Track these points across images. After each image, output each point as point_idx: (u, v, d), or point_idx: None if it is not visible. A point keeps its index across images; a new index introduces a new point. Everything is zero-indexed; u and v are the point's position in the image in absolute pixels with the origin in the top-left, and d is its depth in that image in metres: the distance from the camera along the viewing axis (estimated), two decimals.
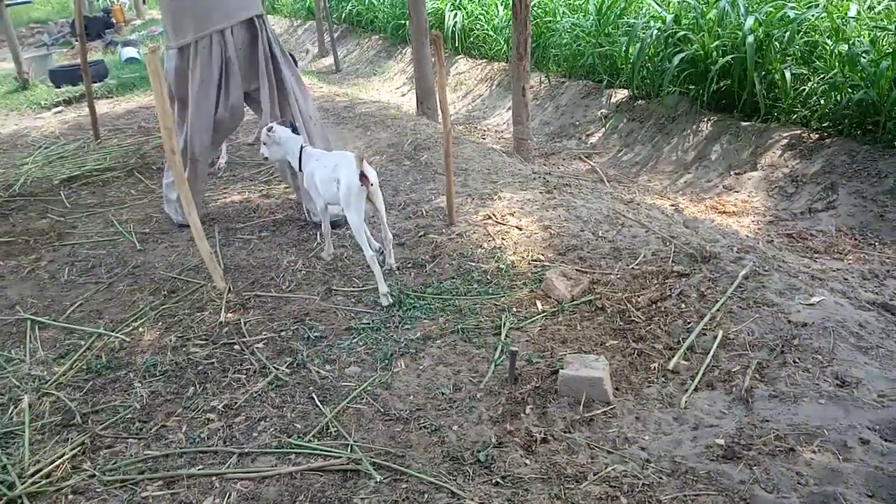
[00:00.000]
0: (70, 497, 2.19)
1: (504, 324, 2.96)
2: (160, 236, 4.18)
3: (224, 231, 4.16)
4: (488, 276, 3.37)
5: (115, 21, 15.98)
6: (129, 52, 10.93)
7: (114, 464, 2.32)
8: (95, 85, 6.69)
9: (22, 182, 5.30)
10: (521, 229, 3.82)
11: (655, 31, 6.34)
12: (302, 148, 3.56)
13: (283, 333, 3.05)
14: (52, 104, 8.39)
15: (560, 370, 2.52)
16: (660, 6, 6.76)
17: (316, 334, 3.01)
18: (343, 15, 13.00)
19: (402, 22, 10.78)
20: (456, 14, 9.35)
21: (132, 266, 3.80)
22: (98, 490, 2.21)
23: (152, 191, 4.99)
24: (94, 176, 5.36)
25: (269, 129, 3.56)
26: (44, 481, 2.27)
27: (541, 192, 4.32)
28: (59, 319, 3.29)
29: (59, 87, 8.97)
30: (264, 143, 3.60)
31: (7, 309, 3.45)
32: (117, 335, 3.09)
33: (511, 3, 5.48)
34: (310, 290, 3.41)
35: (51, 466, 2.32)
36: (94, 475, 2.27)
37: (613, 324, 2.91)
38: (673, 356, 2.66)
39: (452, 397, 2.53)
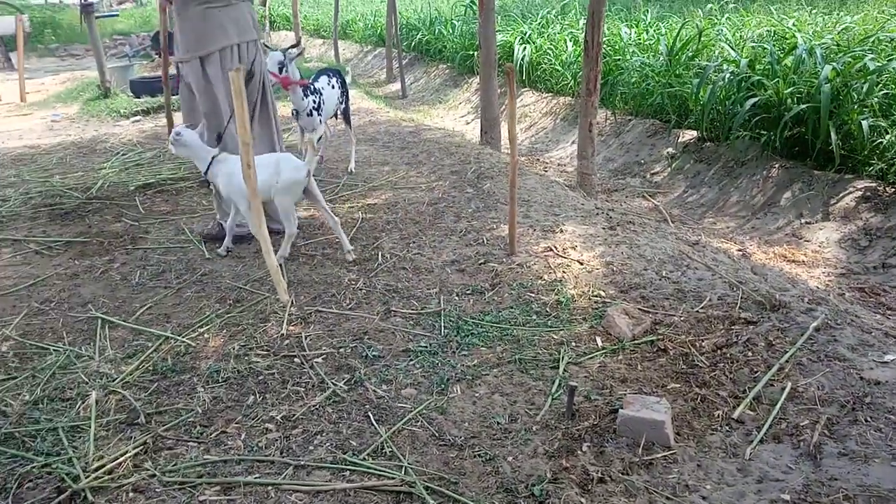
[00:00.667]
0: (131, 495, 2.24)
1: (562, 357, 2.94)
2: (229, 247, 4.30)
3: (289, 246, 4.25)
4: (547, 309, 3.35)
5: None
6: None
7: (174, 465, 2.37)
8: (172, 97, 6.97)
9: (99, 186, 5.54)
10: (582, 263, 3.80)
11: (728, 75, 6.28)
12: (213, 158, 3.90)
13: (341, 350, 3.08)
14: (131, 113, 8.78)
15: (620, 409, 2.48)
16: (734, 50, 6.70)
17: (374, 353, 3.04)
18: (413, 43, 13.27)
19: (470, 53, 10.95)
20: (525, 48, 9.44)
21: (200, 274, 3.91)
22: (157, 490, 2.26)
23: None
24: (168, 185, 5.57)
25: (178, 134, 3.89)
26: (106, 476, 2.33)
27: (603, 228, 4.29)
28: (128, 320, 3.41)
29: (139, 98, 9.38)
30: (172, 144, 3.94)
31: (80, 307, 3.59)
32: (183, 339, 3.18)
33: (584, 40, 5.51)
34: (369, 310, 3.45)
35: (113, 463, 2.39)
36: (154, 475, 2.32)
37: (676, 367, 2.85)
38: (738, 405, 2.59)
39: (508, 428, 2.51)
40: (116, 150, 6.87)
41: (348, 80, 5.55)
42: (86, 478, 2.31)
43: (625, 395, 2.62)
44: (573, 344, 3.06)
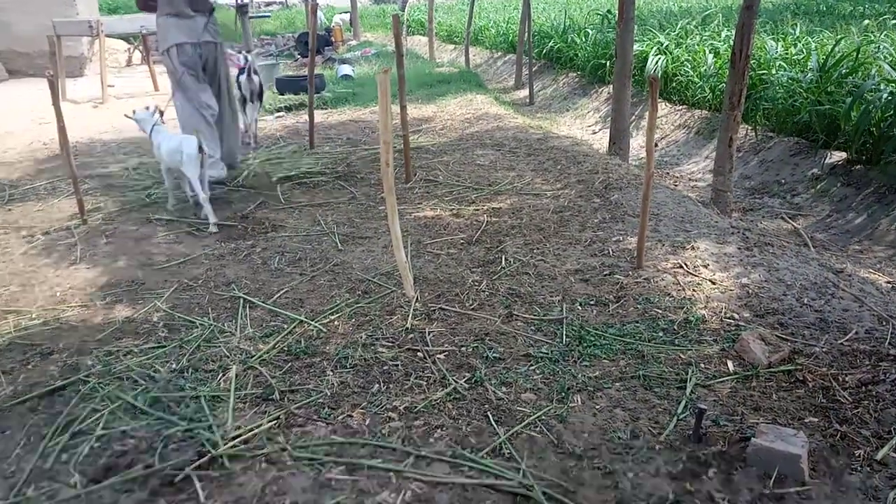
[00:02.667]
0: (263, 465, 2.39)
1: (690, 378, 2.84)
2: (359, 240, 4.48)
3: (415, 244, 4.37)
4: (675, 327, 3.25)
5: (333, 40, 17.43)
6: (345, 69, 11.87)
7: (303, 442, 2.50)
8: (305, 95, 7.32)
9: (245, 175, 5.92)
10: (714, 283, 3.65)
11: (886, 95, 5.82)
12: (154, 126, 5.07)
13: (463, 349, 3.13)
14: (275, 109, 9.30)
15: (752, 438, 2.37)
16: (894, 70, 6.21)
17: (494, 355, 3.07)
18: (543, 51, 13.23)
19: (602, 62, 10.78)
20: (660, 58, 9.18)
21: (332, 264, 4.10)
22: (288, 463, 2.40)
23: (355, 197, 5.36)
24: (307, 178, 5.87)
25: (134, 111, 5.16)
26: (242, 446, 2.49)
27: (738, 248, 4.10)
28: (266, 302, 3.63)
29: (282, 95, 9.91)
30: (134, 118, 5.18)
31: (224, 286, 3.86)
32: (316, 324, 3.34)
33: (731, 52, 5.29)
34: (491, 312, 3.48)
35: (249, 434, 2.55)
36: (285, 449, 2.46)
37: (815, 400, 2.68)
38: (882, 446, 2.40)
39: (629, 444, 2.46)
40: (261, 143, 7.32)
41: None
42: (224, 445, 2.48)
43: (757, 423, 2.49)
44: (702, 365, 2.95)
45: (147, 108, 5.23)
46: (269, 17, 23.91)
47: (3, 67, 12.91)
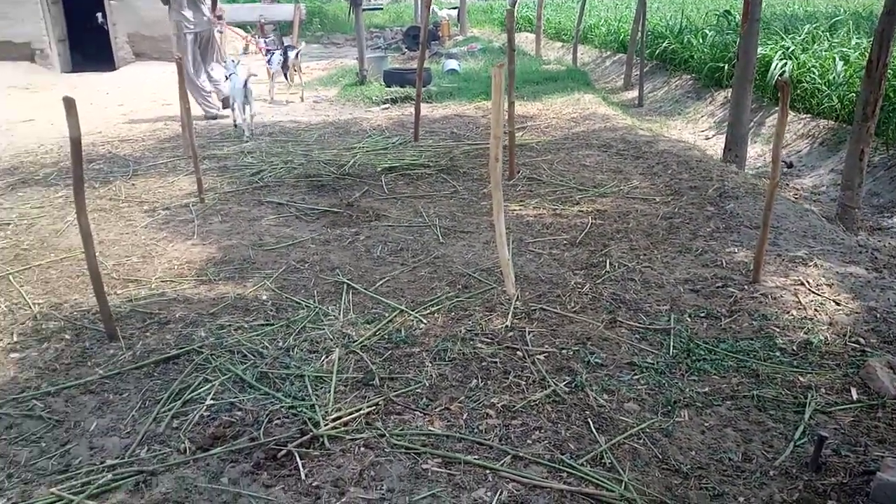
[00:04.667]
0: (362, 449, 2.42)
1: (809, 403, 2.66)
2: (461, 234, 4.47)
3: (517, 242, 4.31)
4: (794, 347, 3.05)
5: (440, 34, 17.55)
6: (451, 64, 11.92)
7: (401, 430, 2.51)
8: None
9: (351, 164, 6.04)
10: (838, 304, 3.41)
11: None
12: (231, 73, 7.41)
13: (563, 352, 3.06)
14: (381, 101, 9.46)
15: (876, 472, 2.18)
16: None
17: (597, 360, 2.98)
18: (656, 51, 12.82)
19: (720, 65, 10.31)
20: (785, 63, 8.69)
21: (433, 256, 4.11)
22: (385, 450, 2.41)
23: (457, 191, 5.36)
24: (410, 170, 5.92)
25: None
26: (342, 427, 2.53)
27: (866, 269, 3.81)
28: (369, 289, 3.68)
29: (389, 87, 10.07)
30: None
31: (329, 270, 3.95)
32: (416, 315, 3.36)
33: (867, 59, 4.93)
34: (594, 316, 3.39)
35: (349, 417, 2.59)
36: (383, 435, 2.48)
37: None
38: None
39: (741, 466, 2.33)
40: (367, 133, 7.46)
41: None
42: (325, 425, 2.52)
43: (883, 457, 2.30)
44: (822, 390, 2.75)
45: (233, 61, 7.61)
46: (381, 8, 24.38)
47: (130, 50, 13.76)
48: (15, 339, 3.23)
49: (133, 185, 5.69)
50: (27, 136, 7.68)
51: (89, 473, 2.32)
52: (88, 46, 13.92)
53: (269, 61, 8.91)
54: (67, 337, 3.24)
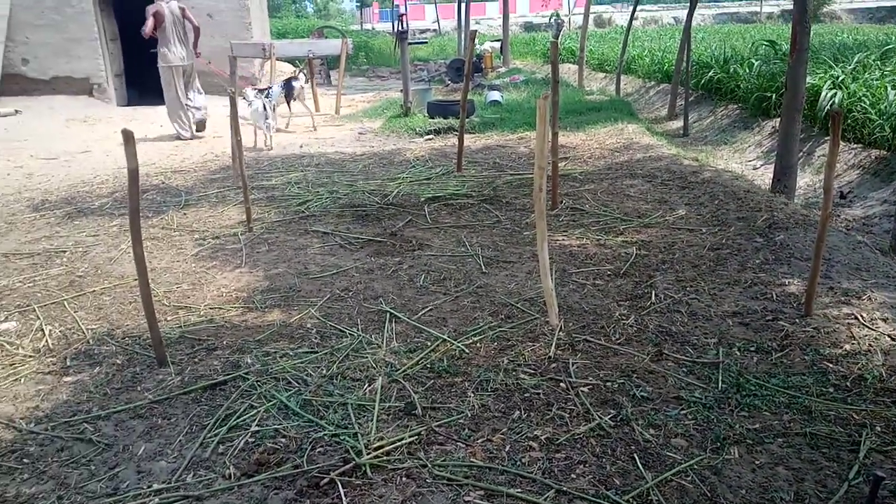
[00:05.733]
0: (404, 479, 2.41)
1: (864, 441, 2.56)
2: (503, 264, 4.47)
3: (560, 272, 4.29)
4: (848, 383, 2.95)
5: (483, 66, 17.76)
6: (494, 95, 12.03)
7: (443, 461, 2.50)
8: None
9: (395, 194, 6.11)
10: (893, 339, 3.29)
11: None
12: (251, 100, 8.66)
13: (608, 384, 3.01)
14: (425, 132, 9.58)
15: None
16: None
17: (643, 394, 2.92)
18: (701, 81, 12.73)
19: (767, 94, 10.18)
20: (835, 93, 8.53)
21: (476, 286, 4.12)
22: (427, 481, 2.40)
23: (500, 221, 5.37)
24: (453, 200, 5.96)
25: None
26: (384, 457, 2.53)
27: None
28: (411, 318, 3.69)
29: (433, 118, 10.20)
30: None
31: (372, 299, 3.98)
32: (459, 345, 3.36)
33: None
34: (639, 348, 3.33)
35: (391, 446, 2.59)
36: (426, 465, 2.47)
37: None
38: None
39: None
40: (410, 163, 7.56)
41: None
42: (367, 454, 2.53)
43: None
44: (878, 428, 2.65)
45: (253, 88, 9.07)
46: (426, 43, 24.84)
47: None
48: (68, 363, 3.33)
49: (185, 214, 5.86)
50: (83, 167, 8.00)
51: (137, 497, 2.36)
52: (144, 81, 14.48)
53: (267, 95, 9.19)
54: (119, 362, 3.33)
